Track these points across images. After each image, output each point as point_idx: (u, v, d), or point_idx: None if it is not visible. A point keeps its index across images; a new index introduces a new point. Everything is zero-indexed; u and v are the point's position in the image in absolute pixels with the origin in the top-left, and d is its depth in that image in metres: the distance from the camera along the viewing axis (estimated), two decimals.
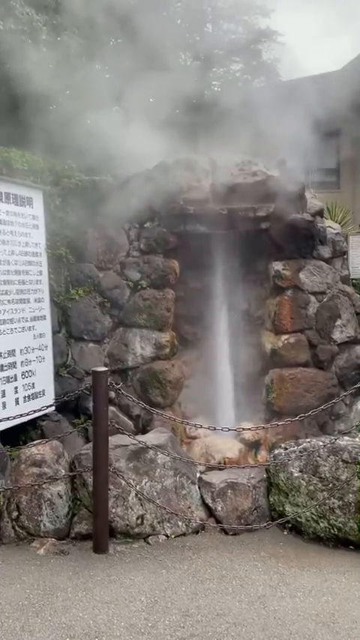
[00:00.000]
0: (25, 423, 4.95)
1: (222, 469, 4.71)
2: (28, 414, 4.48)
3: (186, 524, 4.18)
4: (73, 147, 6.39)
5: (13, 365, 5.02)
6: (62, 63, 7.27)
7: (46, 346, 5.55)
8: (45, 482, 4.10)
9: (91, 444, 4.06)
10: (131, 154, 6.19)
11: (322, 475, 4.09)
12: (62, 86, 7.33)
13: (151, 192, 6.09)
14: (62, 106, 7.60)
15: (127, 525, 4.05)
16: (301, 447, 4.27)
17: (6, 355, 4.94)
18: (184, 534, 4.16)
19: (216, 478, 4.41)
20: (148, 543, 4.06)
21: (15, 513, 4.11)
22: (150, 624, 3.07)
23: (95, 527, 3.94)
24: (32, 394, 5.27)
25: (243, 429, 4.80)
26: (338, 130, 13.52)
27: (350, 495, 3.99)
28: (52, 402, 5.26)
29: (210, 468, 4.67)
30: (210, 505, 4.30)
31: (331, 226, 6.94)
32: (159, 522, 4.13)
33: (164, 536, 4.12)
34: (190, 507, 4.25)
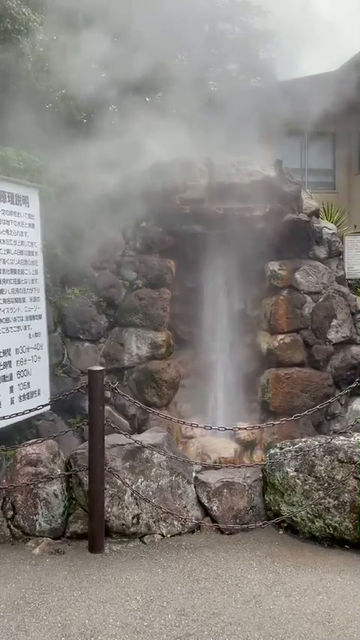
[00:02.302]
0: (20, 422, 4.94)
1: (218, 469, 4.71)
2: (23, 414, 4.47)
3: (182, 524, 4.18)
4: (70, 145, 6.38)
5: (8, 364, 5.01)
6: (58, 61, 7.25)
7: (42, 345, 5.53)
8: (40, 482, 4.09)
9: (86, 444, 4.05)
10: (128, 152, 6.18)
11: (318, 475, 4.09)
12: (59, 84, 7.32)
13: (147, 192, 6.08)
14: (58, 105, 7.59)
15: (123, 525, 4.05)
16: (296, 446, 4.28)
17: (1, 354, 4.92)
18: (179, 534, 4.16)
19: (212, 478, 4.42)
20: (144, 543, 4.06)
21: (10, 513, 4.10)
22: (145, 623, 3.07)
23: (91, 527, 3.94)
24: (28, 393, 5.26)
25: (239, 428, 4.80)
26: (334, 130, 13.58)
27: (346, 495, 4.00)
28: (47, 401, 5.25)
29: (206, 468, 4.66)
30: (206, 504, 4.30)
31: (326, 227, 6.96)
32: (155, 522, 4.12)
33: (160, 536, 4.12)
34: (185, 507, 4.25)
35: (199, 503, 4.33)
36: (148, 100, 8.55)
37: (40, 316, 5.51)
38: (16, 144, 5.75)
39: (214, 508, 4.27)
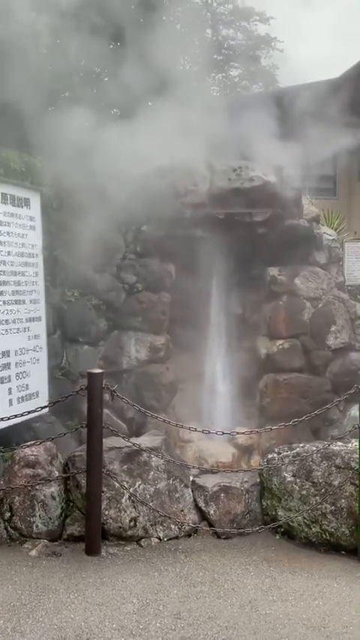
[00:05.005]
0: (18, 424, 4.94)
1: (215, 473, 4.71)
2: (22, 415, 4.47)
3: (179, 528, 4.18)
4: (70, 149, 6.39)
5: (7, 366, 5.01)
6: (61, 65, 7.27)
7: (41, 348, 5.54)
8: (38, 484, 4.09)
9: (84, 446, 4.05)
10: (129, 157, 6.19)
11: (315, 480, 4.10)
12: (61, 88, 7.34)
13: (148, 196, 6.10)
14: (60, 108, 7.61)
15: (120, 527, 4.05)
16: (294, 451, 4.28)
17: (0, 356, 4.93)
18: (176, 537, 4.16)
19: (209, 482, 4.42)
20: (141, 546, 4.06)
21: (7, 514, 4.10)
22: (141, 626, 3.07)
23: (88, 529, 3.94)
24: (26, 395, 5.26)
25: (237, 432, 4.82)
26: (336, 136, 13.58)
27: (342, 500, 4.01)
28: (46, 403, 5.25)
29: (203, 472, 4.67)
30: (203, 508, 4.30)
31: (327, 233, 6.99)
32: (152, 525, 4.13)
33: (157, 539, 4.12)
34: (183, 510, 4.25)
35: (197, 507, 4.33)
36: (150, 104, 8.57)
37: (39, 318, 5.51)
38: (17, 146, 5.76)
39: (211, 512, 4.27)
